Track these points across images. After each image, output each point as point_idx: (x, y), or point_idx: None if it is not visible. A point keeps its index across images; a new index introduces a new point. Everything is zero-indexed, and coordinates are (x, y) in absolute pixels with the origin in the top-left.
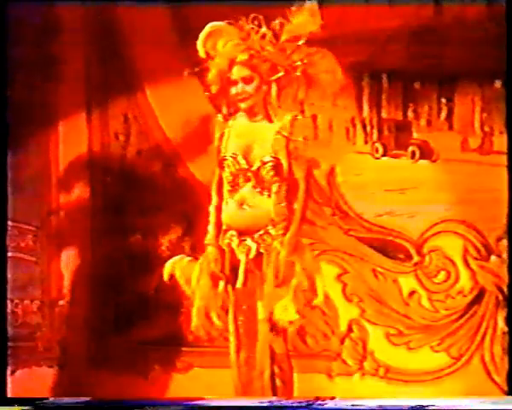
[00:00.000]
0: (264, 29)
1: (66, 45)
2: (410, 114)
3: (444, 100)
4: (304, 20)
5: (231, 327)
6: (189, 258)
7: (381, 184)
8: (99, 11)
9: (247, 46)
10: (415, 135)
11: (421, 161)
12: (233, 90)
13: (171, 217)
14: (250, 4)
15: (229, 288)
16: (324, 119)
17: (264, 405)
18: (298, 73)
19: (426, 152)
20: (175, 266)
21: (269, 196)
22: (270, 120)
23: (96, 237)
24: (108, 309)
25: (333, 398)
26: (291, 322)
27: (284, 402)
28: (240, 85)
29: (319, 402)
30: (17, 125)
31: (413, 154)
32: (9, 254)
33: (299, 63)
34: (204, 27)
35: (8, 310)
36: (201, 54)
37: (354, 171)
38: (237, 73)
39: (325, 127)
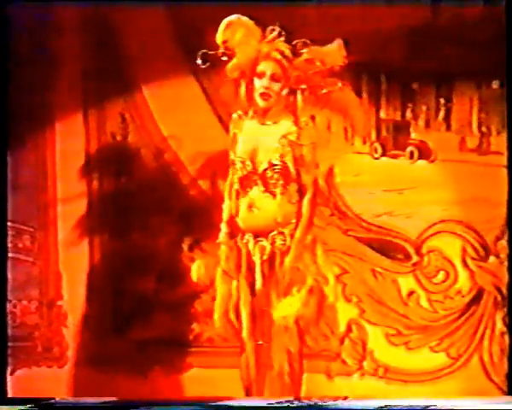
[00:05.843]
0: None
1: (64, 45)
2: (409, 114)
3: (442, 100)
4: (330, 51)
5: (245, 327)
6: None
7: (380, 185)
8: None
9: (275, 46)
10: (413, 135)
11: (420, 162)
12: (257, 83)
13: (171, 217)
14: (249, 5)
15: (246, 288)
16: (323, 119)
17: (265, 405)
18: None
19: (424, 152)
20: (201, 266)
21: (274, 198)
22: (278, 124)
23: (95, 237)
24: (108, 309)
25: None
26: (284, 317)
27: (284, 402)
28: (265, 80)
29: (319, 402)
30: (16, 125)
31: (411, 154)
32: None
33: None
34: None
35: (7, 310)
36: (219, 42)
37: (353, 171)
38: (266, 67)
39: (324, 127)
